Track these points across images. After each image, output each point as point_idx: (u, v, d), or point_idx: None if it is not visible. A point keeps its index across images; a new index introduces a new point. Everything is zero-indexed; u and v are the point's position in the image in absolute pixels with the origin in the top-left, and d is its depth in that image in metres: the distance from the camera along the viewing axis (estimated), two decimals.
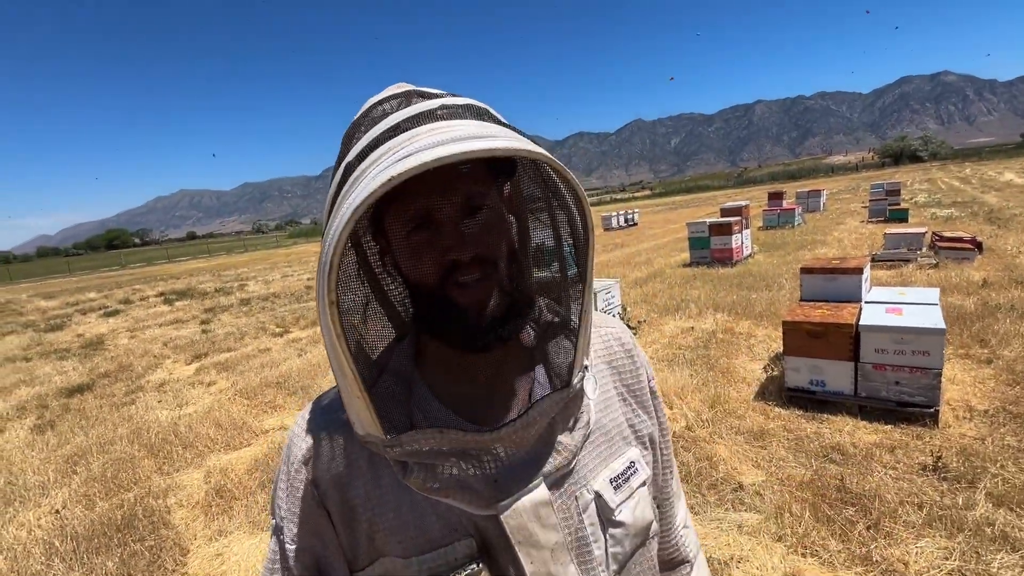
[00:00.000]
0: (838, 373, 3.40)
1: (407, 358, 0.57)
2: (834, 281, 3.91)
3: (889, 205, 13.09)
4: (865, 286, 3.92)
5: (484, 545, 0.52)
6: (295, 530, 0.55)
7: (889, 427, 3.11)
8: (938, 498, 2.42)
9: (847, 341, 3.34)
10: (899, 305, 3.49)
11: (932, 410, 3.09)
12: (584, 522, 0.55)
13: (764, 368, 4.27)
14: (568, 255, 0.58)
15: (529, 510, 0.51)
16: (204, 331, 8.80)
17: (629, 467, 0.60)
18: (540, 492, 0.52)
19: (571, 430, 0.56)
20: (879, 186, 16.87)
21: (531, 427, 0.51)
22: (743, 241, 9.52)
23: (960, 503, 2.35)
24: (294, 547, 0.55)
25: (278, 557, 0.57)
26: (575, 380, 0.54)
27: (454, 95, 0.51)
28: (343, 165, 0.46)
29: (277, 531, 0.57)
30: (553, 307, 0.60)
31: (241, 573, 2.48)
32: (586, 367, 0.56)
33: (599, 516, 0.56)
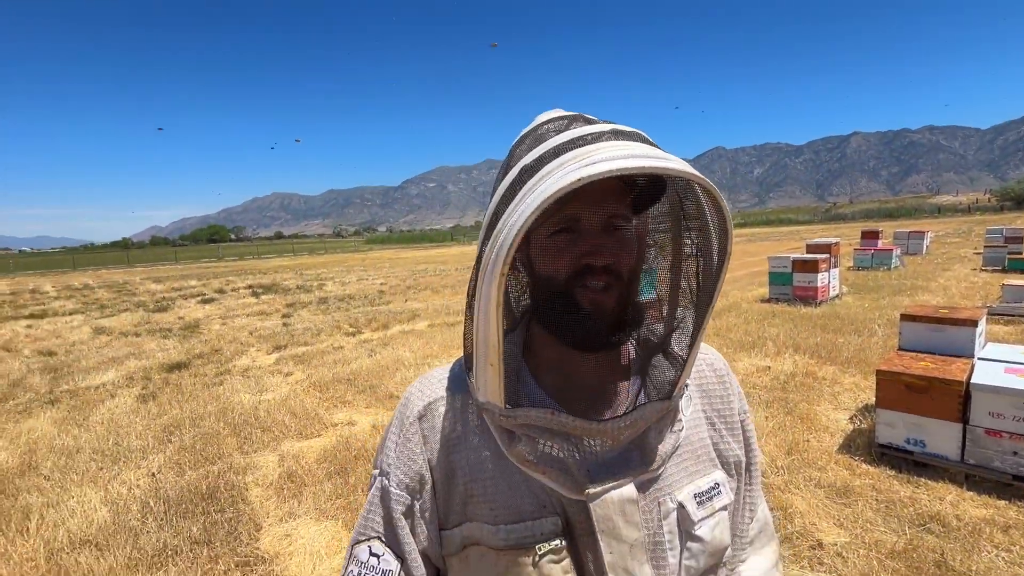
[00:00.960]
0: (942, 434, 3.06)
1: (516, 347, 0.62)
2: (941, 332, 3.54)
3: (1009, 253, 11.69)
4: (979, 340, 3.52)
5: (568, 527, 0.56)
6: (400, 477, 0.60)
7: (1003, 503, 2.75)
8: None
9: (955, 400, 3.00)
10: (1022, 366, 3.09)
11: None
12: (663, 528, 0.58)
13: (851, 419, 3.93)
14: (695, 281, 0.61)
15: (616, 503, 0.55)
16: (285, 324, 9.45)
17: (713, 487, 0.63)
18: (628, 489, 0.56)
19: (663, 440, 0.59)
20: (996, 231, 15.11)
21: (632, 428, 0.56)
22: (830, 280, 8.87)
23: None
24: (395, 491, 0.60)
25: (378, 499, 0.61)
26: (675, 395, 0.59)
27: (617, 124, 0.56)
28: (521, 166, 0.51)
29: (383, 475, 0.62)
30: (669, 328, 0.64)
31: (307, 555, 2.61)
32: (687, 385, 0.61)
33: (679, 526, 0.59)
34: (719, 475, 0.65)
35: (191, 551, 2.66)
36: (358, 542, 0.61)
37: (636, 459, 0.58)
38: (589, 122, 0.56)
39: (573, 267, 0.55)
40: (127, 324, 10.24)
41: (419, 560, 0.60)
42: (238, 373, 6.21)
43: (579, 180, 0.43)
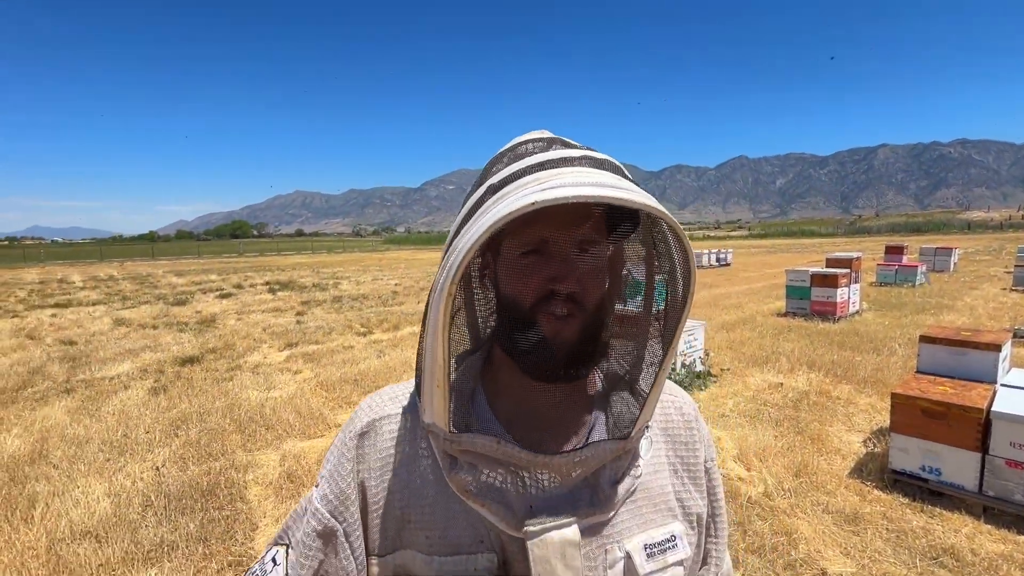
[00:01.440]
0: (959, 463, 2.93)
1: (475, 369, 0.61)
2: (962, 355, 3.41)
3: None
4: (1003, 366, 3.38)
5: (505, 564, 0.54)
6: (326, 493, 0.58)
7: (1022, 538, 2.61)
8: None
9: (974, 428, 2.87)
10: None
11: None
12: None
13: (864, 442, 3.80)
14: (659, 318, 0.59)
15: (556, 544, 0.52)
16: (298, 322, 9.56)
17: (668, 540, 0.59)
18: (571, 531, 0.53)
19: (617, 482, 0.56)
20: None
21: (583, 464, 0.53)
22: (850, 296, 8.64)
23: None
24: (317, 507, 0.58)
25: (303, 509, 0.60)
26: (635, 434, 0.56)
27: (593, 150, 0.56)
28: (487, 185, 0.51)
29: (316, 489, 0.60)
30: (631, 362, 0.61)
31: None
32: (647, 427, 0.58)
33: None
34: (677, 527, 0.61)
35: (187, 547, 2.67)
36: (275, 543, 0.60)
37: (585, 499, 0.55)
38: (567, 146, 0.54)
39: (538, 291, 0.52)
40: (146, 316, 10.46)
41: None
42: (248, 369, 6.29)
43: (532, 204, 0.42)
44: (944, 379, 3.35)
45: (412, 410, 0.61)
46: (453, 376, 0.57)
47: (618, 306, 0.61)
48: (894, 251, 15.36)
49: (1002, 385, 3.18)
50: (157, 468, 3.59)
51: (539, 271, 0.52)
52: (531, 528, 0.52)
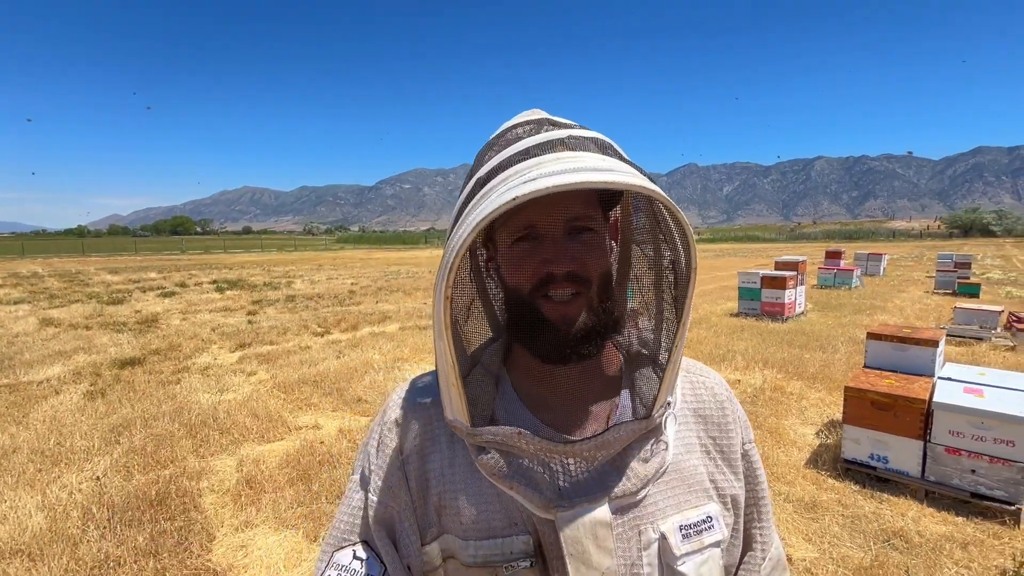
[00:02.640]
0: (904, 451, 3.14)
1: (498, 356, 0.61)
2: (904, 351, 3.66)
3: (958, 278, 12.32)
4: (939, 360, 3.65)
5: (539, 546, 0.53)
6: (379, 483, 0.59)
7: (960, 519, 2.83)
8: None
9: (917, 418, 3.09)
10: (979, 386, 3.21)
11: (1014, 508, 2.79)
12: (643, 559, 0.54)
13: (817, 434, 4.01)
14: (667, 291, 0.59)
15: (587, 525, 0.52)
16: (250, 322, 9.11)
17: (705, 520, 0.58)
18: (602, 512, 0.52)
19: (645, 461, 0.56)
20: (947, 256, 15.94)
21: (605, 448, 0.53)
22: (797, 297, 9.13)
23: None
24: (376, 499, 0.58)
25: (362, 505, 0.60)
26: (656, 413, 0.55)
27: (583, 127, 0.55)
28: (475, 179, 0.50)
29: (363, 482, 0.60)
30: (645, 338, 0.62)
31: (263, 568, 2.46)
32: (669, 403, 0.57)
33: (659, 559, 0.55)
34: (713, 508, 0.60)
35: (135, 562, 2.47)
36: (340, 548, 0.58)
37: (613, 479, 0.54)
38: (555, 126, 0.54)
39: (535, 276, 0.53)
40: (78, 316, 9.67)
41: (400, 569, 0.57)
42: (197, 371, 5.92)
43: (513, 200, 0.42)
44: (889, 373, 3.58)
45: (438, 397, 0.60)
46: (476, 366, 0.59)
47: (624, 279, 0.62)
48: (833, 256, 16.37)
49: (939, 378, 3.43)
50: (97, 478, 3.31)
51: (533, 256, 0.53)
52: (562, 511, 0.52)
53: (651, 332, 0.62)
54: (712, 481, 0.62)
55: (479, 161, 0.54)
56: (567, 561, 0.51)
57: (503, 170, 0.47)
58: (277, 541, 2.67)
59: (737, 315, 9.23)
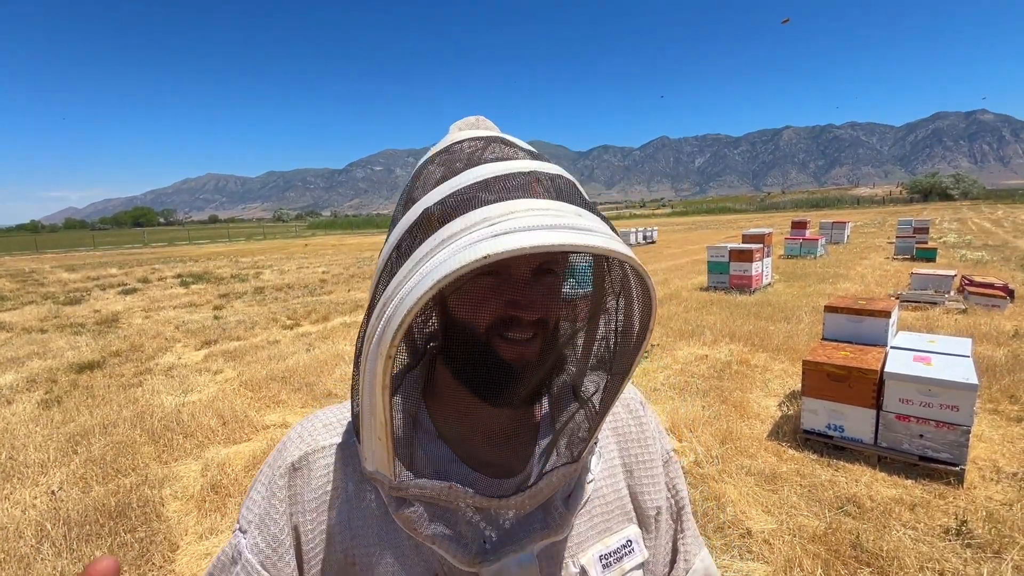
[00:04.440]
0: (858, 420, 3.26)
1: (415, 389, 0.56)
2: (859, 322, 3.77)
3: (917, 243, 12.78)
4: (892, 330, 3.78)
5: None
6: (256, 540, 0.52)
7: (910, 482, 2.97)
8: (961, 566, 2.28)
9: (870, 387, 3.20)
10: (928, 354, 3.34)
11: (958, 468, 2.94)
12: None
13: (779, 405, 4.14)
14: (614, 346, 0.56)
15: (514, 575, 0.50)
16: (216, 317, 8.86)
17: (625, 546, 0.58)
18: (528, 560, 0.51)
19: (569, 498, 0.55)
20: (907, 222, 16.49)
21: (537, 496, 0.51)
22: (764, 269, 9.34)
23: (985, 574, 2.21)
24: (253, 559, 0.51)
25: (229, 559, 0.53)
26: (584, 455, 0.54)
27: (538, 156, 0.50)
28: (422, 208, 0.45)
29: (240, 532, 0.53)
30: (583, 384, 0.59)
31: None
32: (595, 441, 0.56)
33: None
34: (632, 531, 0.60)
35: None
36: None
37: (539, 523, 0.53)
38: (508, 146, 0.50)
39: (497, 315, 0.48)
40: (31, 319, 9.25)
41: None
42: (160, 372, 5.75)
43: (485, 257, 0.37)
44: (845, 344, 3.70)
45: (350, 439, 0.55)
46: (397, 417, 0.52)
47: (572, 325, 0.58)
48: (799, 226, 16.76)
49: (892, 348, 3.56)
50: (53, 492, 3.20)
51: (498, 295, 0.48)
52: (487, 564, 0.49)
53: (587, 376, 0.58)
54: (635, 501, 0.62)
55: (421, 178, 0.49)
56: None
57: (462, 209, 0.42)
58: None
59: (707, 289, 9.40)
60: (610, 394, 0.54)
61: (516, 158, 0.48)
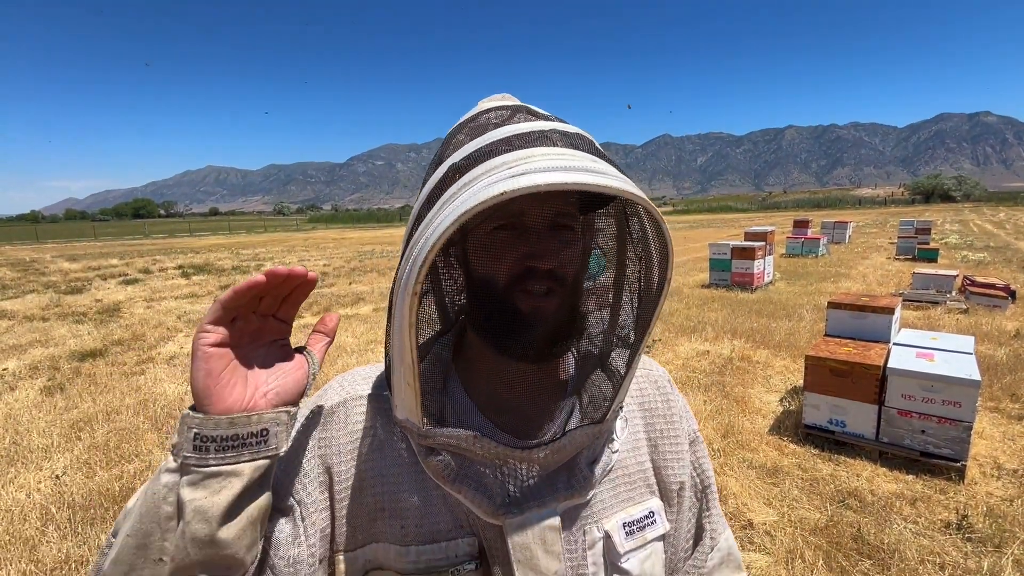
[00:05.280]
0: (860, 415, 3.27)
1: (447, 351, 0.58)
2: (863, 319, 3.77)
3: (918, 244, 12.77)
4: (895, 327, 3.78)
5: (484, 549, 0.52)
6: (280, 475, 0.52)
7: (911, 477, 2.98)
8: (961, 560, 2.29)
9: (872, 383, 3.21)
10: (931, 350, 3.34)
11: (959, 464, 2.95)
12: (587, 559, 0.54)
13: (781, 401, 4.15)
14: (636, 301, 0.57)
15: (536, 531, 0.51)
16: None
17: (647, 516, 0.59)
18: (551, 517, 0.52)
19: (594, 463, 0.55)
20: (909, 223, 16.47)
21: (560, 453, 0.52)
22: (765, 267, 9.34)
23: (985, 568, 2.23)
24: (283, 479, 0.52)
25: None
26: (609, 417, 0.54)
27: (562, 120, 0.52)
28: (448, 164, 0.47)
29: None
30: (608, 343, 0.60)
31: None
32: (621, 407, 0.57)
33: (604, 557, 0.55)
34: (654, 503, 0.61)
35: None
36: None
37: (563, 483, 0.53)
38: (533, 115, 0.51)
39: (513, 269, 0.50)
40: (33, 307, 9.26)
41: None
42: (163, 361, 5.76)
43: (502, 194, 0.39)
44: (848, 340, 3.70)
45: (385, 392, 0.57)
46: (424, 365, 0.54)
47: (593, 283, 0.60)
48: (801, 225, 16.76)
49: (895, 344, 3.56)
50: (57, 477, 3.21)
51: (514, 248, 0.50)
52: (510, 517, 0.50)
53: (609, 337, 0.60)
54: (658, 475, 0.62)
55: (449, 144, 0.51)
56: (514, 567, 0.50)
57: (484, 159, 0.43)
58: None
59: (708, 286, 9.40)
60: (632, 351, 0.54)
61: (540, 120, 0.50)
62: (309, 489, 0.52)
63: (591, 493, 0.55)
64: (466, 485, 0.50)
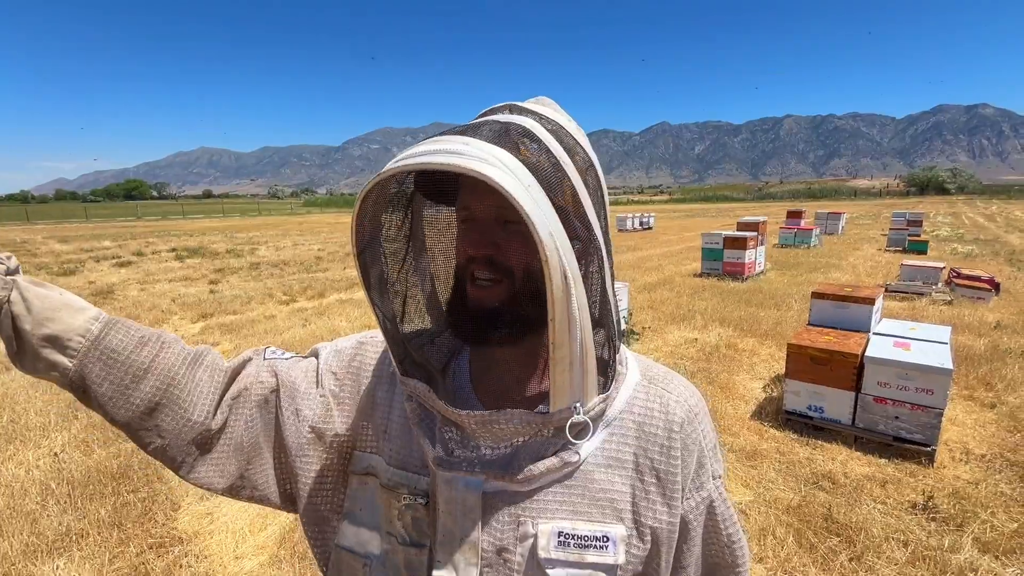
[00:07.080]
0: (838, 401, 3.38)
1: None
2: (845, 309, 3.87)
3: (909, 235, 12.91)
4: (875, 317, 3.88)
5: (432, 495, 0.59)
6: (331, 364, 0.69)
7: (883, 461, 3.10)
8: (924, 538, 2.41)
9: (850, 371, 3.31)
10: (908, 340, 3.45)
11: (929, 449, 3.07)
12: (516, 549, 0.55)
13: (764, 388, 4.26)
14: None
15: (460, 492, 0.55)
16: (212, 291, 8.89)
17: (598, 538, 0.55)
18: (475, 485, 0.55)
19: (538, 459, 0.54)
20: (901, 215, 16.62)
21: (489, 427, 0.54)
22: (757, 257, 9.43)
23: (946, 545, 2.35)
24: (322, 365, 0.69)
25: (314, 367, 0.70)
26: (554, 411, 0.52)
27: (531, 113, 0.54)
28: None
29: (321, 350, 0.72)
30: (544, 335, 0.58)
31: (228, 533, 2.53)
32: (577, 409, 0.52)
33: (531, 556, 0.55)
34: (616, 530, 0.56)
35: (99, 534, 2.50)
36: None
37: (498, 464, 0.55)
38: (513, 111, 0.55)
39: (462, 256, 0.57)
40: None
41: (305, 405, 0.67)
42: None
43: (376, 175, 0.48)
44: (830, 330, 3.80)
45: None
46: (443, 333, 0.66)
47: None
48: (794, 216, 16.85)
49: (874, 333, 3.67)
50: (55, 454, 3.28)
51: (464, 237, 0.56)
52: (442, 470, 0.56)
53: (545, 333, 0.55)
54: (633, 504, 0.57)
55: None
56: (439, 515, 0.57)
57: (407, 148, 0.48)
58: (242, 507, 2.73)
59: (700, 275, 9.50)
60: (551, 343, 0.49)
61: (503, 114, 0.54)
62: (345, 392, 0.68)
63: (531, 487, 0.55)
64: (421, 431, 0.58)
